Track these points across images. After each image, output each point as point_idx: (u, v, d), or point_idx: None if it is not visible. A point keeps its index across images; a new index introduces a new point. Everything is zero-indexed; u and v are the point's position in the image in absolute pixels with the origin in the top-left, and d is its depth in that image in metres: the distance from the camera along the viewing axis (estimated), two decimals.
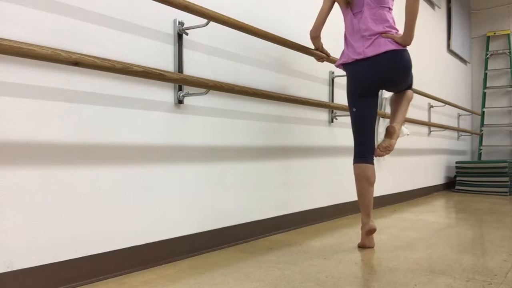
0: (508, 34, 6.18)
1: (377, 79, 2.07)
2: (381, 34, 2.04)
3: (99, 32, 1.58)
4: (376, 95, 2.14)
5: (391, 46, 2.01)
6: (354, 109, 2.14)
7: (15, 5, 1.35)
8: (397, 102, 2.21)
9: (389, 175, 3.87)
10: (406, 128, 3.73)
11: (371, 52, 2.03)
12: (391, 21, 2.08)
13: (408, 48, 2.11)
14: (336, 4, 2.22)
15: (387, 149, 2.10)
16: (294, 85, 2.64)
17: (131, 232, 1.69)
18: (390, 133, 2.11)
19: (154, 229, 1.78)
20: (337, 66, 2.22)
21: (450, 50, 5.54)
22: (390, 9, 2.10)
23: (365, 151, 2.13)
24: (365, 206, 2.12)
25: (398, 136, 2.14)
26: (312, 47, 2.40)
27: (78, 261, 1.51)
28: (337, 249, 2.09)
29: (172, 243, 1.85)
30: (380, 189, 3.67)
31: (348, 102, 2.18)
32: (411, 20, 1.98)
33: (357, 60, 2.08)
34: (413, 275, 1.66)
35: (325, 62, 2.71)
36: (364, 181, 2.11)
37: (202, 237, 2.00)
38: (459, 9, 5.78)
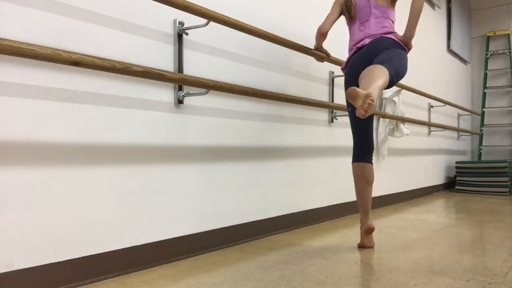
0: (508, 34, 6.18)
1: (369, 60, 2.08)
2: (384, 34, 2.12)
3: (99, 32, 1.58)
4: None
5: (389, 35, 2.09)
6: (350, 108, 2.18)
7: (15, 5, 1.35)
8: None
9: (389, 175, 3.87)
10: (406, 128, 3.73)
11: (369, 41, 2.11)
12: (394, 28, 2.17)
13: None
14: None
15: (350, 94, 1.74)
16: (294, 85, 2.64)
17: (131, 232, 1.69)
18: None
19: (154, 229, 1.78)
20: (342, 70, 2.27)
21: (450, 50, 5.54)
22: (393, 22, 2.19)
23: (363, 150, 2.14)
24: (364, 205, 2.12)
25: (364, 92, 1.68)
26: (312, 47, 2.41)
27: (78, 261, 1.51)
28: (337, 249, 2.09)
29: (172, 243, 1.85)
30: (380, 189, 3.67)
31: (347, 102, 2.20)
32: (414, 17, 2.03)
33: (358, 49, 2.15)
34: (413, 275, 1.66)
35: (325, 62, 2.71)
36: (362, 180, 2.11)
37: (202, 237, 2.00)
38: (459, 9, 5.77)
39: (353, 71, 2.14)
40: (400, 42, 2.08)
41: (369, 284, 1.55)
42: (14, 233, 1.35)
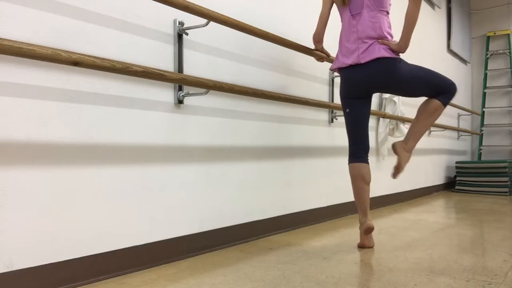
0: (508, 34, 6.18)
1: (368, 85, 2.08)
2: (377, 39, 2.02)
3: (99, 32, 1.58)
4: (369, 97, 2.16)
5: (384, 53, 1.99)
6: (347, 110, 2.17)
7: (15, 5, 1.35)
8: (418, 113, 2.14)
9: (389, 175, 3.87)
10: (406, 128, 3.73)
11: (364, 58, 2.02)
12: (387, 25, 2.08)
13: (408, 48, 2.11)
14: (334, 6, 2.23)
15: (396, 171, 2.19)
16: (294, 85, 2.64)
17: (131, 232, 1.69)
18: (394, 151, 2.18)
19: (154, 229, 1.78)
20: (332, 70, 2.24)
21: (450, 50, 5.54)
22: (387, 13, 2.10)
23: (359, 150, 2.15)
24: (362, 205, 2.12)
25: (406, 155, 2.13)
26: (312, 46, 2.41)
27: (78, 261, 1.51)
28: (337, 249, 2.09)
29: (172, 243, 1.85)
30: (380, 189, 3.67)
31: (341, 103, 2.20)
32: (409, 27, 1.97)
33: (351, 66, 2.08)
34: (413, 275, 1.66)
35: (325, 62, 2.71)
36: (359, 180, 2.12)
37: (202, 237, 2.00)
38: (459, 9, 5.77)
39: (354, 91, 2.11)
40: (394, 55, 2.01)
41: (369, 284, 1.55)
42: (14, 233, 1.35)
